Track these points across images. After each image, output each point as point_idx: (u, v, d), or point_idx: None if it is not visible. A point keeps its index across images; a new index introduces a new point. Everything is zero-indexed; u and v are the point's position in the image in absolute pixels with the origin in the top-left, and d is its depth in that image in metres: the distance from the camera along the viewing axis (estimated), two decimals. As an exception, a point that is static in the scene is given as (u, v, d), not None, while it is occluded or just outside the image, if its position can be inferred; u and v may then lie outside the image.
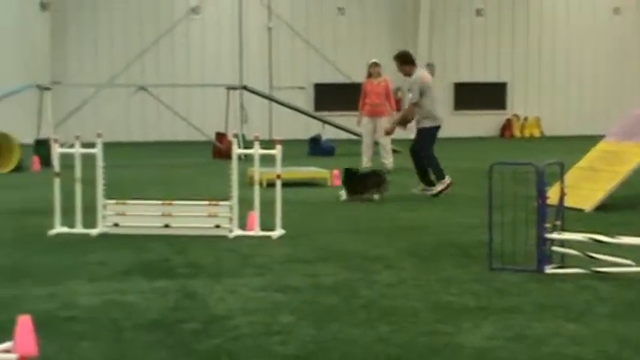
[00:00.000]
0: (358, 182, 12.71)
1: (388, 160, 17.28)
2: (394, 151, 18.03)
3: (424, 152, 13.56)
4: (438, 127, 13.78)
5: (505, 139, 32.09)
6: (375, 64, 17.71)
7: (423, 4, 32.15)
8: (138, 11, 30.99)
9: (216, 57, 31.23)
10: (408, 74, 13.91)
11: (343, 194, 12.68)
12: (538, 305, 6.20)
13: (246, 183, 13.08)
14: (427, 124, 13.65)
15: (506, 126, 33.85)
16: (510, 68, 34.18)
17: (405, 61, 14.01)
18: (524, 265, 7.36)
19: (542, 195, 7.38)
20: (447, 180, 13.35)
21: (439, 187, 13.27)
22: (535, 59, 34.24)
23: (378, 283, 6.94)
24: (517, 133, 33.62)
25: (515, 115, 34.00)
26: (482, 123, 33.76)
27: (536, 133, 33.67)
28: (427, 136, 13.62)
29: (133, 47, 30.63)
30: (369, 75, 17.64)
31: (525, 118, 33.97)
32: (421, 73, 14.06)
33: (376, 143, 17.63)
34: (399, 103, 29.90)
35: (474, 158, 21.37)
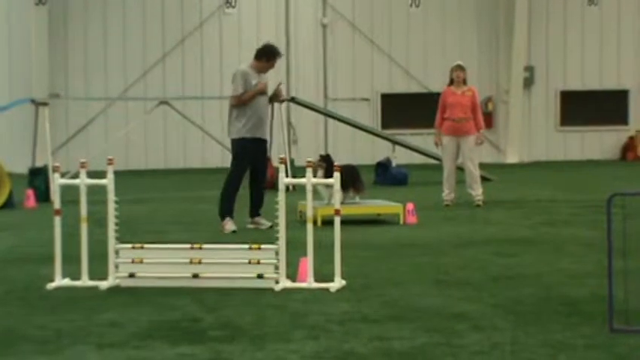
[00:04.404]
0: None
1: (476, 191, 17.19)
2: (484, 180, 17.97)
3: None
4: None
5: (627, 163, 31.80)
6: (460, 68, 17.60)
7: (520, -9, 32.11)
8: (158, 6, 31.32)
9: (257, 62, 31.48)
10: None
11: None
12: (674, 377, 6.12)
13: (296, 220, 13.11)
14: None
15: (629, 146, 33.57)
16: (633, 72, 33.89)
17: None
18: (655, 326, 7.28)
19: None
20: None
21: None
22: (665, 60, 33.98)
23: (465, 349, 6.90)
24: (643, 154, 33.37)
25: (640, 132, 33.77)
26: (598, 142, 33.53)
27: (669, 155, 33.38)
28: None
29: (151, 51, 31.01)
30: (451, 82, 17.57)
31: (654, 136, 33.71)
32: None
33: (460, 169, 17.57)
34: (489, 118, 29.90)
35: (586, 188, 21.23)
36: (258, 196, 14.30)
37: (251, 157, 14.10)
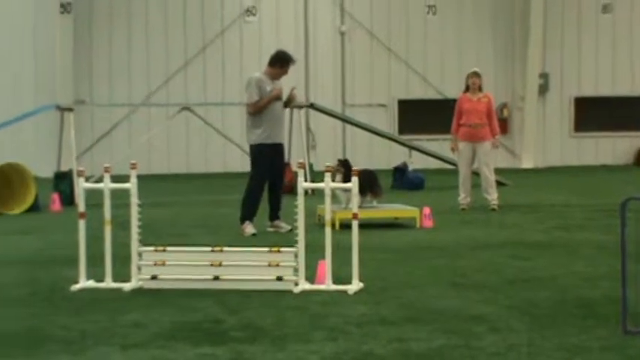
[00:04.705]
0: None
1: (492, 195, 17.16)
2: (500, 184, 17.93)
3: None
4: None
5: (641, 168, 31.71)
6: (475, 75, 17.57)
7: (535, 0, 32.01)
8: (180, 15, 31.39)
9: (276, 68, 31.47)
10: None
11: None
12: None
13: (315, 224, 13.12)
14: None
15: (643, 151, 33.49)
16: (647, 78, 33.80)
17: None
18: (669, 328, 7.25)
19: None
20: None
21: None
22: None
23: (482, 351, 6.88)
24: (657, 160, 33.26)
25: (654, 137, 33.65)
26: (611, 148, 33.44)
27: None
28: None
29: (174, 58, 31.08)
30: (467, 89, 17.54)
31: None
32: None
33: (476, 174, 17.54)
34: (504, 124, 29.86)
35: (600, 192, 21.17)
36: (277, 200, 14.30)
37: (269, 162, 14.10)
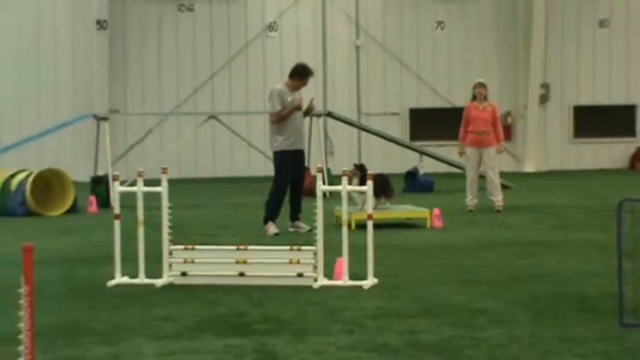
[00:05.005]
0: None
1: (497, 198, 17.12)
2: (504, 187, 17.88)
3: None
4: None
5: (636, 172, 31.55)
6: (481, 85, 17.53)
7: (536, 15, 31.88)
8: (207, 30, 31.44)
9: (296, 80, 31.42)
10: None
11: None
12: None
13: (333, 224, 13.13)
14: None
15: (637, 156, 33.28)
16: (641, 88, 33.65)
17: None
18: (662, 321, 7.22)
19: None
20: None
21: None
22: (671, 77, 33.69)
23: (487, 342, 6.88)
24: (650, 164, 33.07)
25: (648, 143, 33.47)
26: (608, 153, 33.29)
27: (674, 165, 33.06)
28: None
29: (201, 70, 31.13)
30: (474, 98, 17.50)
31: (660, 147, 33.41)
32: None
33: (482, 177, 17.51)
34: (508, 130, 29.79)
35: (597, 194, 21.10)
36: (297, 202, 14.30)
37: (291, 167, 14.11)
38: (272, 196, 14.15)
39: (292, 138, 14.11)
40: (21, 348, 4.83)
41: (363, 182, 12.49)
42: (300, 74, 14.26)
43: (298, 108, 14.20)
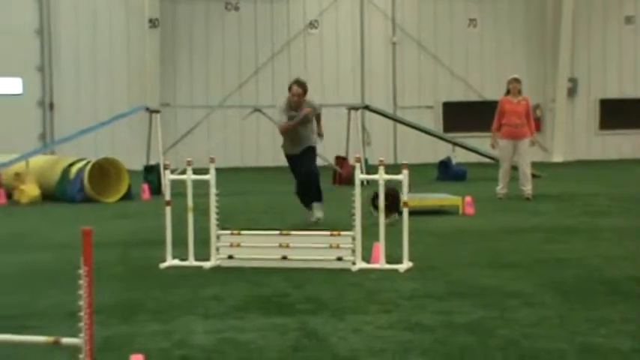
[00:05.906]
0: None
1: (527, 187, 17.04)
2: (534, 176, 17.79)
3: None
4: None
5: (659, 162, 31.26)
6: (516, 80, 17.41)
7: (565, 13, 31.67)
8: (252, 28, 31.51)
9: (336, 75, 31.47)
10: None
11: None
12: (700, 348, 6.03)
13: (370, 211, 13.12)
14: None
15: (660, 147, 33.02)
16: (664, 82, 33.32)
17: None
18: (684, 304, 7.18)
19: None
20: None
21: None
22: (693, 71, 33.33)
23: (517, 322, 6.87)
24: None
25: (671, 134, 33.15)
26: (632, 143, 33.01)
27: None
28: None
29: (246, 66, 31.22)
30: (508, 92, 17.39)
31: (683, 137, 33.08)
32: None
33: (514, 168, 17.42)
34: (537, 122, 29.63)
35: (622, 183, 20.96)
36: (307, 196, 14.08)
37: (292, 169, 14.08)
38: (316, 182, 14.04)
39: (286, 145, 14.10)
40: (81, 324, 4.88)
41: (392, 206, 12.36)
42: (289, 88, 13.99)
43: (306, 121, 13.95)
